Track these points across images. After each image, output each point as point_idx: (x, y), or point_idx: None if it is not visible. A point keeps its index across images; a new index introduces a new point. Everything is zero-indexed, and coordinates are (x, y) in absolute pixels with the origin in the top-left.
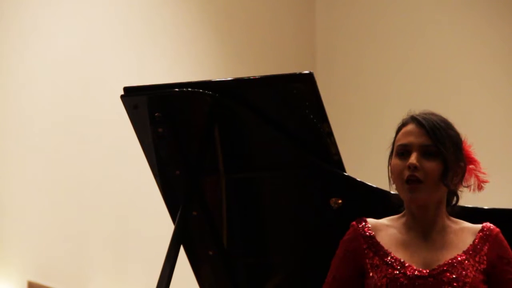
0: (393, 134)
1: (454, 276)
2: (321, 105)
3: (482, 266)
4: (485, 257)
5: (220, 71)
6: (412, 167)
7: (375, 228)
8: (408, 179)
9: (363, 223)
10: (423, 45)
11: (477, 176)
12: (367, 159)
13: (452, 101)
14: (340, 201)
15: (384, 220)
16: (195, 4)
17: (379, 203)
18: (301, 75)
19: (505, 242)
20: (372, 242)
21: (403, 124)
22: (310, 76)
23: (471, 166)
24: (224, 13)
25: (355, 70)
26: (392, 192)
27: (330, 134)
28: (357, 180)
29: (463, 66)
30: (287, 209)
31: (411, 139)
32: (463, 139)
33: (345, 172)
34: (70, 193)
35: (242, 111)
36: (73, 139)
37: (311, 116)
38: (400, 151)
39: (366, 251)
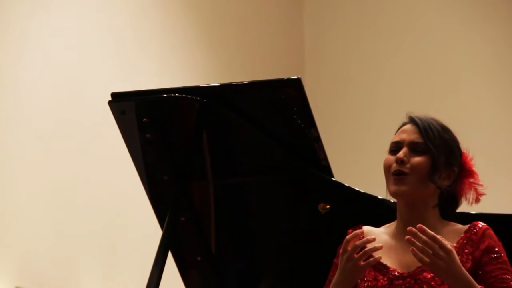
0: (382, 139)
1: (431, 275)
2: (309, 110)
3: (468, 265)
4: (470, 256)
5: (208, 76)
6: (399, 161)
7: (368, 235)
8: (394, 172)
9: (358, 231)
10: (413, 50)
11: (476, 190)
12: (355, 164)
13: (442, 105)
14: (328, 206)
15: (381, 228)
16: (183, 9)
17: (367, 208)
18: (289, 80)
19: (494, 238)
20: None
21: (401, 125)
22: (298, 82)
23: (471, 180)
24: (213, 18)
25: (343, 76)
26: (380, 197)
27: (318, 139)
28: (345, 185)
29: (454, 71)
30: (275, 214)
31: (403, 136)
32: (463, 150)
33: (333, 177)
34: (59, 198)
35: (230, 116)
36: (61, 145)
37: (299, 121)
38: (393, 148)
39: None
